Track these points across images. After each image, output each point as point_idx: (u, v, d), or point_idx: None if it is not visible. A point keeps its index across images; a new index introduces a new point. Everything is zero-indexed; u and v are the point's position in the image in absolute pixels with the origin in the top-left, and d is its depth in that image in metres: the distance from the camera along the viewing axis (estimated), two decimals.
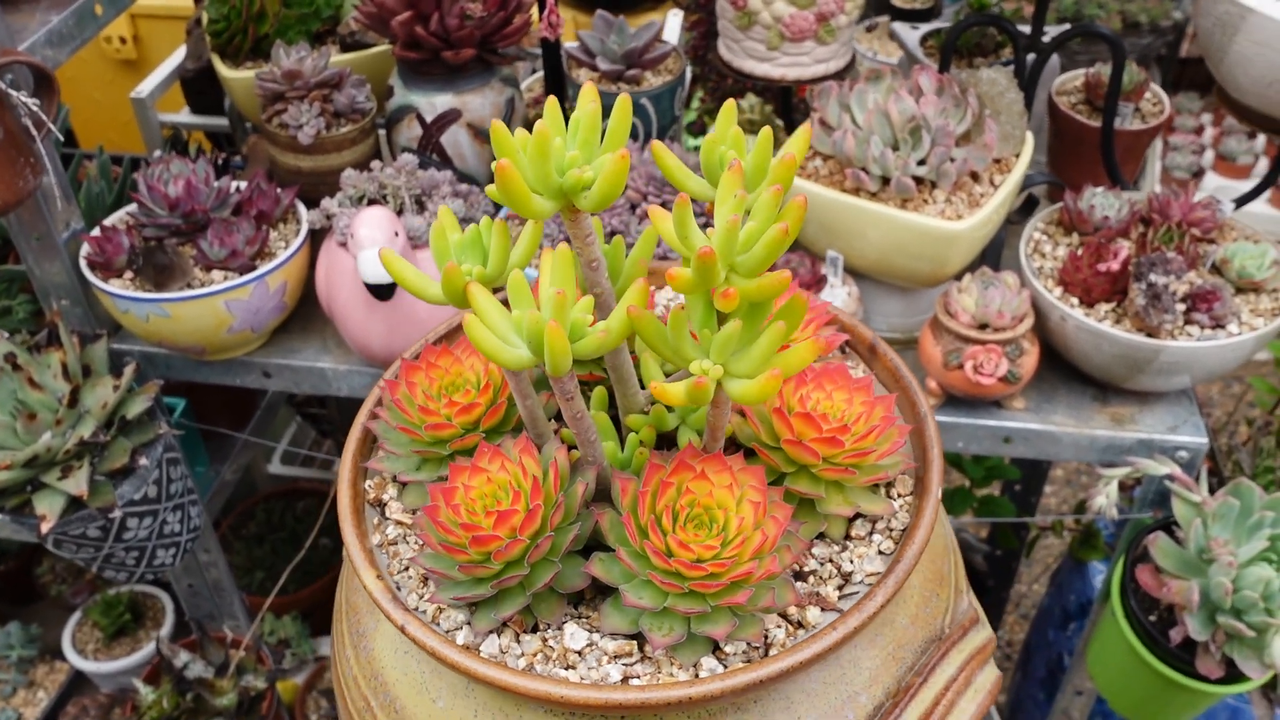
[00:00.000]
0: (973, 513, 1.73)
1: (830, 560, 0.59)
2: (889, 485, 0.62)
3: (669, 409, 0.60)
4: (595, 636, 0.55)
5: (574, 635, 0.54)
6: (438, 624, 0.57)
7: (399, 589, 0.59)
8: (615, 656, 0.54)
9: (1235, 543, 1.02)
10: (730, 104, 0.56)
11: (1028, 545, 1.79)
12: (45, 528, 1.11)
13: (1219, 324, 1.08)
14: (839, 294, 1.18)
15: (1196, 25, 1.11)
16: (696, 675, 0.52)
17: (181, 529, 1.27)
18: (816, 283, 1.17)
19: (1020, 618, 2.26)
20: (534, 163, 0.50)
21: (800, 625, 0.55)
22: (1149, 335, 1.07)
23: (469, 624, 0.56)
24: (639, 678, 0.53)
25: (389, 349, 1.16)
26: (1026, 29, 1.29)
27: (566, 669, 0.53)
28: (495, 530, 0.53)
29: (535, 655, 0.54)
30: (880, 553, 0.59)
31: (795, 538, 0.56)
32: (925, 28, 1.43)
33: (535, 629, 0.56)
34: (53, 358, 1.14)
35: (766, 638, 0.54)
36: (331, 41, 1.43)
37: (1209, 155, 2.82)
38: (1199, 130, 2.89)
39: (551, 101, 0.52)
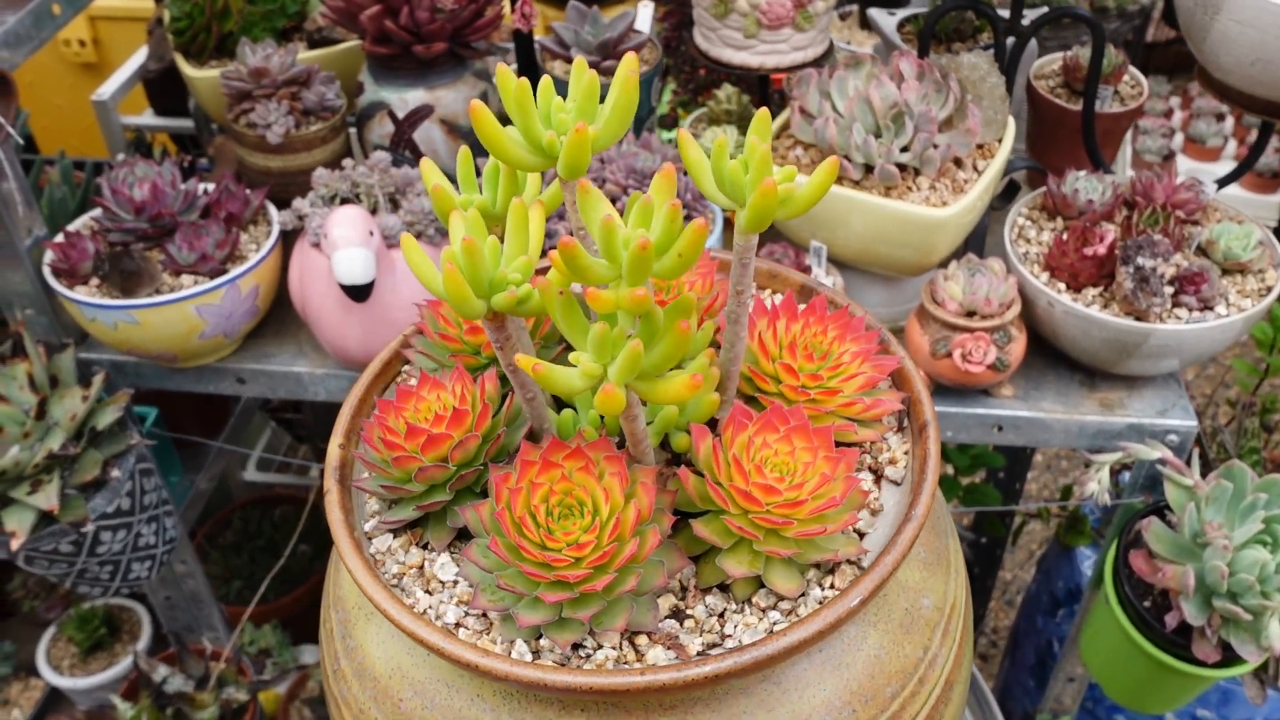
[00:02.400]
0: (959, 501, 1.72)
1: (719, 615, 0.55)
2: (834, 568, 0.56)
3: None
4: (460, 574, 0.58)
5: (444, 566, 0.58)
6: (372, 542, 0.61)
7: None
8: (461, 601, 0.56)
9: (1229, 526, 1.02)
10: (722, 141, 0.54)
11: (1013, 534, 1.78)
12: (16, 544, 1.07)
13: (1207, 306, 1.08)
14: (822, 279, 1.16)
15: (1178, 5, 1.11)
16: (510, 653, 0.53)
17: (156, 541, 1.24)
18: (800, 272, 1.16)
19: (1005, 604, 2.26)
20: (519, 116, 0.51)
21: (640, 657, 0.53)
22: (1138, 319, 1.06)
23: (389, 516, 0.60)
24: (465, 627, 0.55)
25: (366, 351, 1.13)
26: (1004, 13, 1.28)
27: (425, 591, 0.57)
28: (423, 447, 0.57)
29: (411, 569, 0.58)
30: (770, 630, 0.53)
31: (672, 557, 0.54)
32: (902, 13, 1.42)
33: (427, 546, 0.59)
34: (18, 369, 1.11)
35: (583, 649, 0.53)
36: (298, 38, 1.39)
37: (1179, 138, 2.83)
38: (1168, 114, 2.90)
39: (546, 81, 0.52)
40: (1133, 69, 1.39)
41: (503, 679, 0.49)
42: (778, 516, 0.52)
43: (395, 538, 0.60)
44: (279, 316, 1.26)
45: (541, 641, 0.53)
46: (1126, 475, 1.29)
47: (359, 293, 1.04)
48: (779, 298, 0.73)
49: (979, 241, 1.23)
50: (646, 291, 0.45)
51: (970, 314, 1.09)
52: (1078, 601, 1.55)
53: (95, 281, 1.14)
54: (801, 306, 0.64)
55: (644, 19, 1.66)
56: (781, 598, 0.54)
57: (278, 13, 1.34)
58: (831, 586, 0.55)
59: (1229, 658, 1.04)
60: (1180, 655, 1.07)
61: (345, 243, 1.03)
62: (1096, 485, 1.07)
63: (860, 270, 1.19)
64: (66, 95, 2.65)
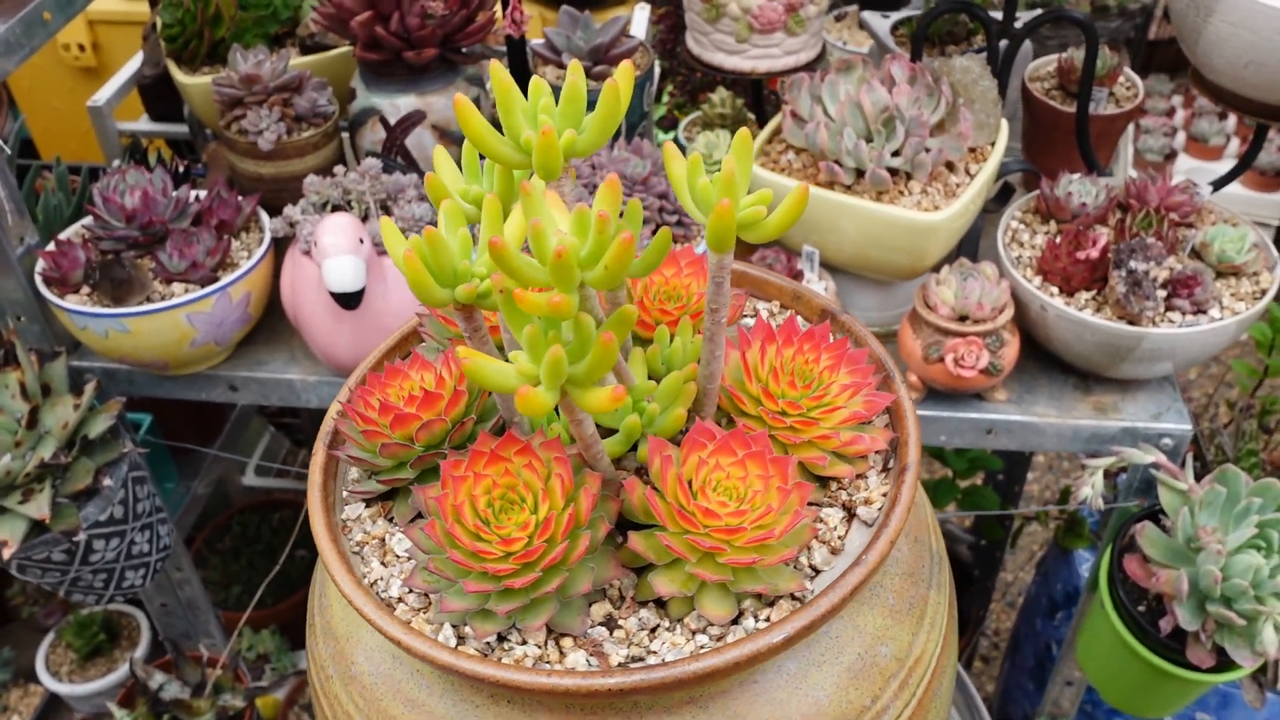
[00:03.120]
0: (956, 505, 1.71)
1: (651, 630, 0.54)
2: (774, 600, 0.54)
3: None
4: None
5: (401, 541, 0.60)
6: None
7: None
8: (402, 580, 0.58)
9: (1223, 530, 1.01)
10: (696, 158, 0.54)
11: (1012, 536, 1.78)
12: (7, 553, 1.07)
13: (1200, 309, 1.07)
14: (815, 289, 1.16)
15: (1170, 7, 1.10)
16: (437, 635, 0.54)
17: (150, 549, 1.24)
18: (792, 278, 1.15)
19: (1006, 605, 2.26)
20: (502, 111, 0.52)
21: (561, 659, 0.53)
22: (1130, 323, 1.06)
23: (357, 486, 0.63)
24: (405, 603, 0.56)
25: (357, 358, 1.13)
26: (997, 15, 1.28)
27: (381, 563, 0.59)
28: (392, 424, 0.58)
29: (372, 540, 0.60)
30: (697, 651, 0.52)
31: (605, 565, 0.54)
32: (895, 16, 1.42)
33: (392, 520, 0.62)
34: (10, 377, 1.11)
35: (508, 642, 0.54)
36: (290, 44, 1.39)
37: (1180, 137, 2.82)
38: (1170, 113, 2.89)
39: (536, 80, 0.53)
40: (1128, 70, 1.38)
41: (420, 658, 0.50)
42: (714, 540, 0.51)
43: (367, 507, 0.62)
44: (271, 323, 1.26)
45: (467, 628, 0.54)
46: (1123, 477, 1.28)
47: (349, 300, 1.04)
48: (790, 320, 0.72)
49: (973, 245, 1.23)
50: (567, 298, 0.45)
51: (963, 318, 1.08)
52: (1076, 604, 1.55)
53: (86, 290, 1.14)
54: (809, 328, 0.63)
55: (639, 22, 1.66)
56: (711, 623, 0.53)
57: (270, 19, 1.34)
58: (767, 619, 0.53)
59: (1224, 662, 1.03)
60: (1176, 660, 1.07)
61: (335, 250, 1.03)
62: (1090, 490, 1.07)
63: (853, 274, 1.19)
64: (66, 99, 2.65)
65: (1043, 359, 1.18)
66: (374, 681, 0.56)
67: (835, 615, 0.51)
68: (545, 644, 0.53)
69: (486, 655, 0.52)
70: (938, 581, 0.62)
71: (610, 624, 0.54)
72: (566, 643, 0.53)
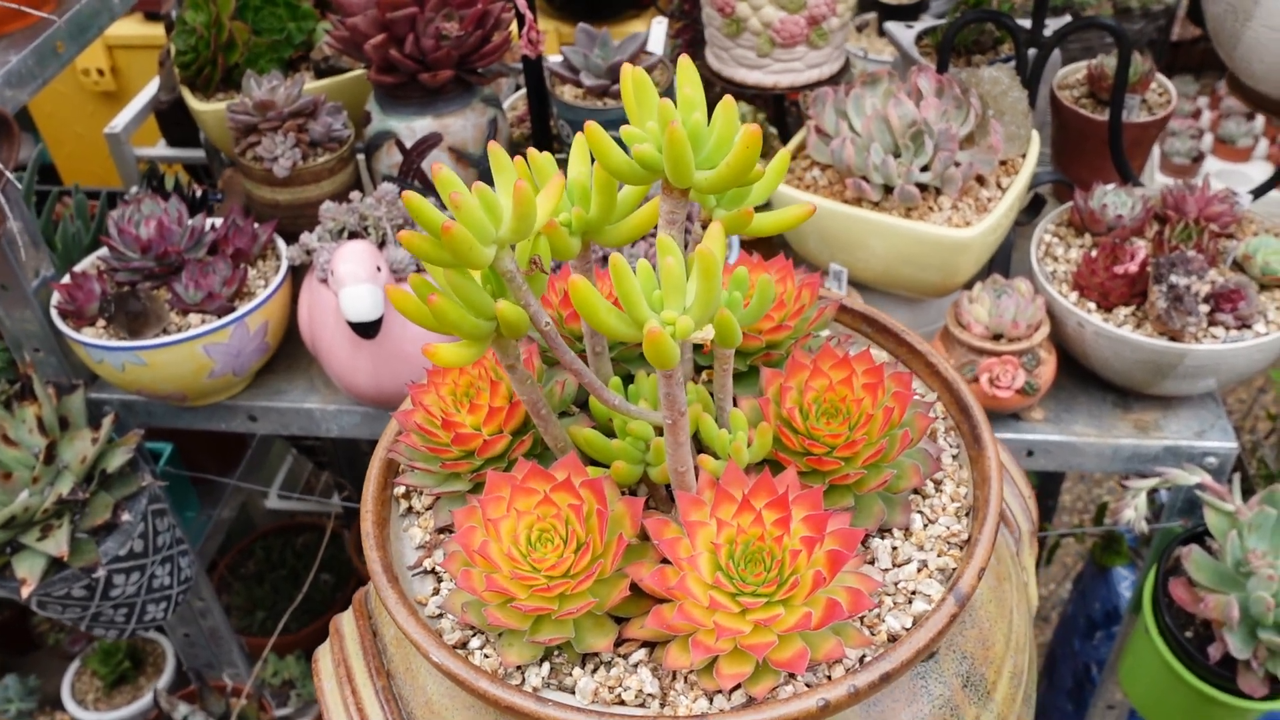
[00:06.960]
0: None
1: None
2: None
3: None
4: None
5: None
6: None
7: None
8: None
9: (1274, 554, 0.97)
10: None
11: (1048, 552, 1.74)
12: (26, 591, 1.06)
13: (1245, 324, 1.03)
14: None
15: (1207, 12, 1.07)
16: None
17: (172, 581, 1.23)
18: None
19: (1040, 620, 2.21)
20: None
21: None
22: (1172, 339, 1.02)
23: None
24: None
25: (377, 387, 1.11)
26: (1025, 23, 1.25)
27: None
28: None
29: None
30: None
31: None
32: (919, 26, 1.39)
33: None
34: (27, 411, 1.09)
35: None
36: (305, 68, 1.38)
37: (1208, 139, 2.76)
38: (1196, 114, 2.83)
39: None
40: (1160, 76, 1.34)
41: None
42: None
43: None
44: (290, 351, 1.24)
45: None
46: (1164, 494, 1.24)
47: (367, 329, 1.02)
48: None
49: (1004, 259, 1.20)
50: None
51: (997, 337, 1.05)
52: (1115, 624, 1.51)
53: (102, 323, 1.12)
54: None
55: (657, 37, 1.64)
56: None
57: (284, 43, 1.33)
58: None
59: (1277, 689, 1.00)
60: (1225, 687, 1.03)
61: (352, 279, 1.01)
62: (1133, 513, 1.03)
63: (882, 292, 1.16)
64: (86, 124, 2.66)
65: (1080, 376, 1.15)
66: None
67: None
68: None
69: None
70: None
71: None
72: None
